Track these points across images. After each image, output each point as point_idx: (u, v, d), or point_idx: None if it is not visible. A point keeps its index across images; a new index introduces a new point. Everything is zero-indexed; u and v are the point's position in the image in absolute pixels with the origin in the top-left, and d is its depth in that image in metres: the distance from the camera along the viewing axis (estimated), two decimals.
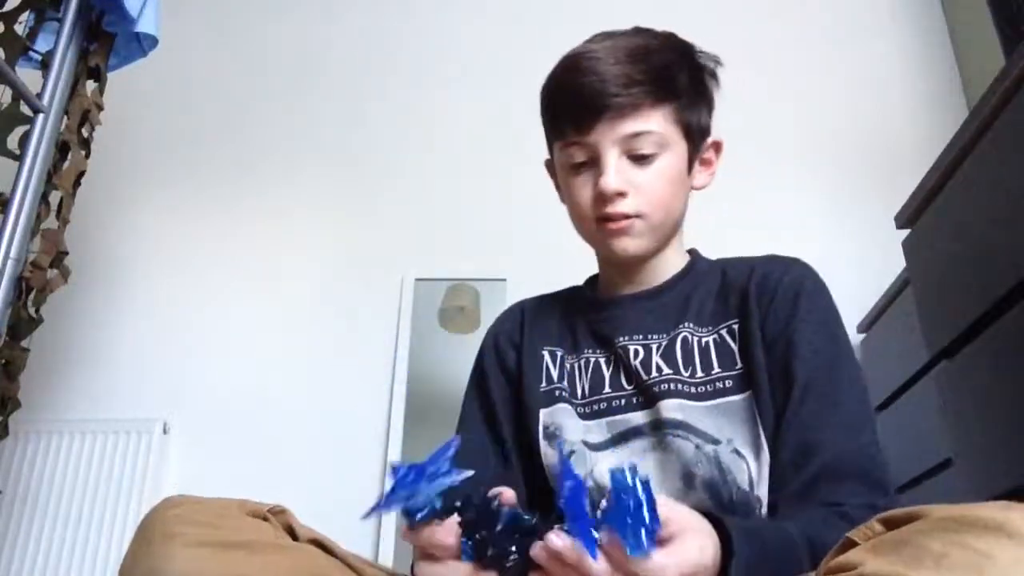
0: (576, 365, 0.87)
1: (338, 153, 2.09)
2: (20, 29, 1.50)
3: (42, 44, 1.51)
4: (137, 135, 2.09)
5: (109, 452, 1.74)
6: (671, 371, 0.81)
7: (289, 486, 1.67)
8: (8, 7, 1.48)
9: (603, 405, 0.83)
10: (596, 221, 0.83)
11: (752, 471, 0.75)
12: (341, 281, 1.95)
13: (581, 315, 0.91)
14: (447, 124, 2.08)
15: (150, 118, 2.13)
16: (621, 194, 0.81)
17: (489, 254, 1.91)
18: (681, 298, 0.87)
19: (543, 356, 0.90)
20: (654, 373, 0.81)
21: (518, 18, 2.18)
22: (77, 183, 1.52)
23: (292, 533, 0.65)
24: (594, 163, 0.82)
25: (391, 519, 1.65)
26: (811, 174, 1.92)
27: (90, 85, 1.55)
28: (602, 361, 0.86)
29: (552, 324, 0.93)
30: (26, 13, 1.52)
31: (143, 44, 1.62)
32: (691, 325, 0.85)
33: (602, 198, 0.81)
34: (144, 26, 1.54)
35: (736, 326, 0.82)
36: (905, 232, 1.35)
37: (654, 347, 0.84)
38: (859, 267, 1.74)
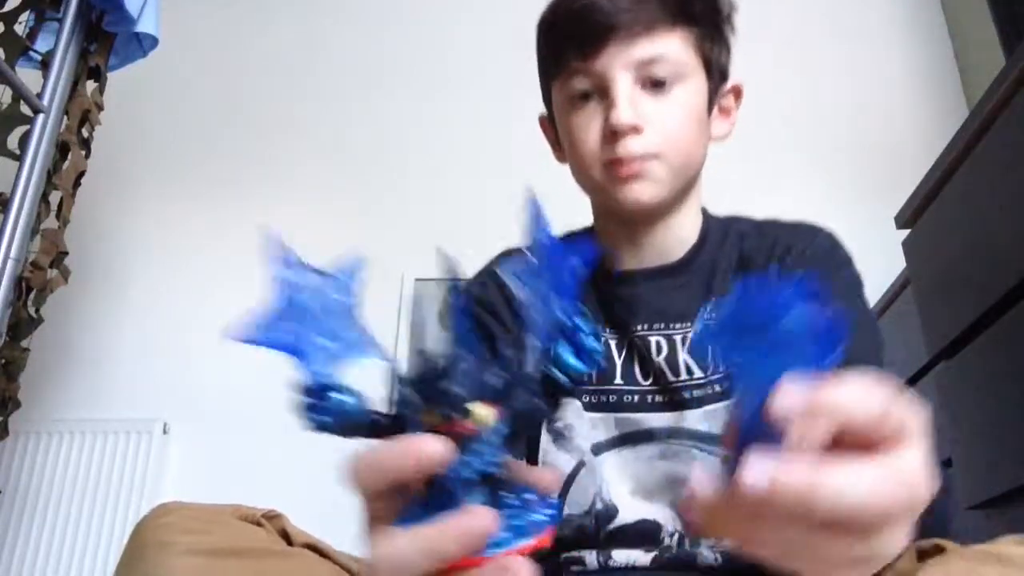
0: None
1: (338, 153, 2.09)
2: (20, 29, 1.50)
3: (42, 44, 1.51)
4: (137, 135, 2.09)
5: (109, 452, 1.74)
6: (702, 374, 0.70)
7: (288, 486, 1.67)
8: (8, 7, 1.48)
9: (612, 398, 0.72)
10: (604, 166, 0.70)
11: None
12: None
13: (592, 287, 0.78)
14: (447, 124, 2.08)
15: (150, 118, 2.12)
16: (635, 129, 0.68)
17: (489, 254, 1.91)
18: (703, 275, 0.75)
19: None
20: (683, 375, 0.70)
21: (519, 20, 2.18)
22: (77, 183, 1.52)
23: (287, 538, 0.64)
24: (601, 95, 0.71)
25: None
26: (811, 174, 1.92)
27: (90, 85, 1.56)
28: (612, 344, 0.74)
29: None
30: (26, 13, 1.52)
31: (143, 44, 1.62)
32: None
33: (612, 136, 0.69)
34: (144, 26, 1.54)
35: None
36: (905, 232, 1.35)
37: (679, 340, 0.72)
38: (859, 267, 1.74)
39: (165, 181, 2.08)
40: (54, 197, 1.47)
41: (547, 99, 0.80)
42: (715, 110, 0.76)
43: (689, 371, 0.71)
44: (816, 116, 1.98)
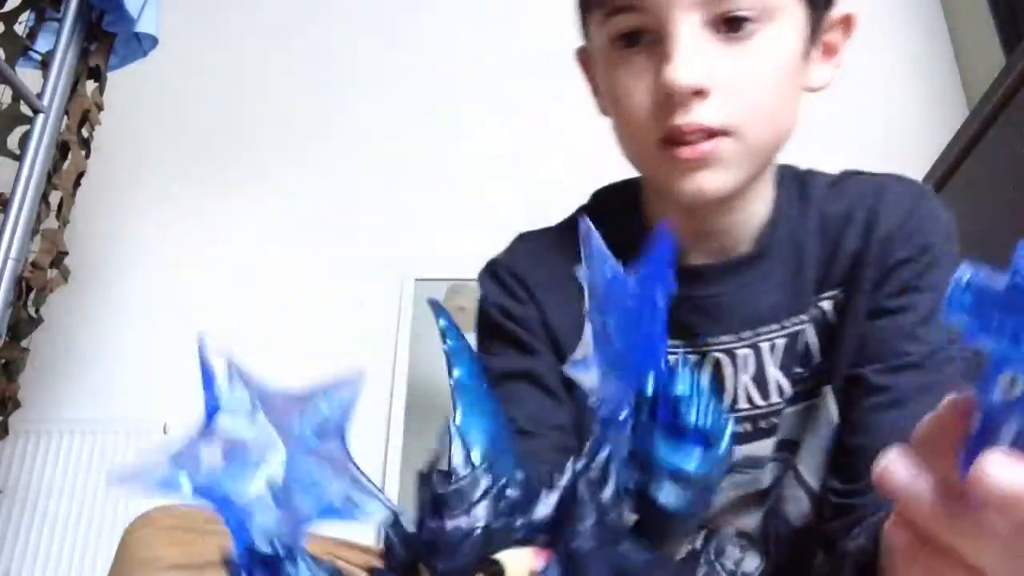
0: None
1: (338, 153, 2.09)
2: (20, 29, 1.50)
3: (42, 44, 1.51)
4: (137, 135, 2.09)
5: (109, 452, 1.74)
6: (791, 389, 0.57)
7: None
8: (8, 7, 1.48)
9: None
10: (658, 144, 0.52)
11: (805, 504, 0.56)
12: (341, 281, 1.95)
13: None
14: (447, 123, 2.08)
15: (150, 118, 2.12)
16: (700, 93, 0.50)
17: (489, 254, 1.91)
18: (787, 261, 0.58)
19: None
20: (774, 398, 0.57)
21: (520, 17, 2.18)
22: (77, 183, 1.52)
23: None
24: (655, 39, 0.51)
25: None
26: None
27: (90, 85, 1.55)
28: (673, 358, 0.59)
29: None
30: (26, 13, 1.52)
31: (143, 44, 1.62)
32: (808, 299, 0.58)
33: (668, 100, 0.50)
34: (144, 26, 1.54)
35: (841, 297, 0.57)
36: None
37: (766, 349, 0.57)
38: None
39: (165, 181, 2.08)
40: (54, 197, 1.47)
41: (583, 29, 0.61)
42: (815, 49, 0.57)
43: (780, 391, 0.57)
44: (815, 116, 1.98)
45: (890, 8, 2.10)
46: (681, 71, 0.49)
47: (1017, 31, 1.62)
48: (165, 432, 1.78)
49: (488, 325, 0.63)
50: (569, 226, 0.66)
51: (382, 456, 1.73)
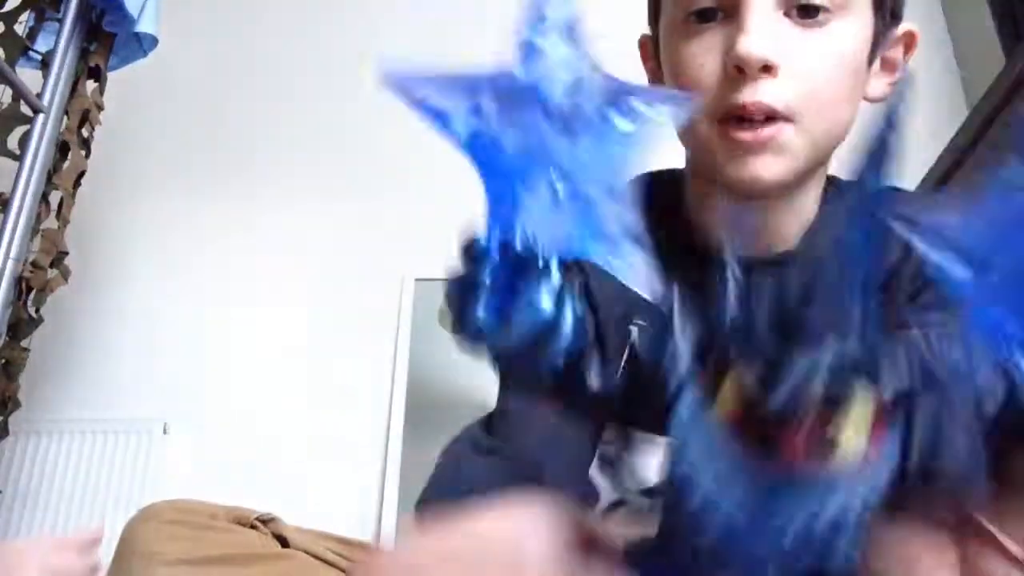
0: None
1: (338, 153, 2.09)
2: (20, 29, 1.50)
3: (42, 44, 1.51)
4: (137, 135, 2.09)
5: (109, 452, 1.74)
6: None
7: (288, 486, 1.67)
8: (8, 7, 1.48)
9: None
10: (719, 121, 0.52)
11: None
12: (341, 281, 1.95)
13: (678, 271, 0.56)
14: None
15: (150, 118, 2.12)
16: (767, 69, 0.50)
17: None
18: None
19: (631, 333, 0.57)
20: None
21: (518, 15, 2.17)
22: (77, 183, 1.52)
23: (284, 541, 0.62)
24: (729, 15, 0.52)
25: (391, 516, 1.65)
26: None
27: (90, 85, 1.55)
28: None
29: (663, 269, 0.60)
30: (26, 13, 1.52)
31: (143, 44, 1.62)
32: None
33: (737, 73, 0.50)
34: (144, 26, 1.54)
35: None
36: None
37: None
38: None
39: (165, 181, 2.08)
40: (54, 197, 1.47)
41: (651, 14, 0.61)
42: (877, 61, 0.57)
43: None
44: None
45: None
46: (754, 43, 0.49)
47: (1017, 31, 1.62)
48: (165, 432, 1.78)
49: None
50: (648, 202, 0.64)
51: (382, 456, 1.73)
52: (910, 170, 1.50)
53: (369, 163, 2.07)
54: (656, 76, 0.62)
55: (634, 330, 0.57)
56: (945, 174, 1.19)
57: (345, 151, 2.09)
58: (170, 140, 2.12)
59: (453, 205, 2.20)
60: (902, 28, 0.58)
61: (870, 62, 0.56)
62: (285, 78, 2.18)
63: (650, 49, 0.63)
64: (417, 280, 1.90)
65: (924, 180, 1.25)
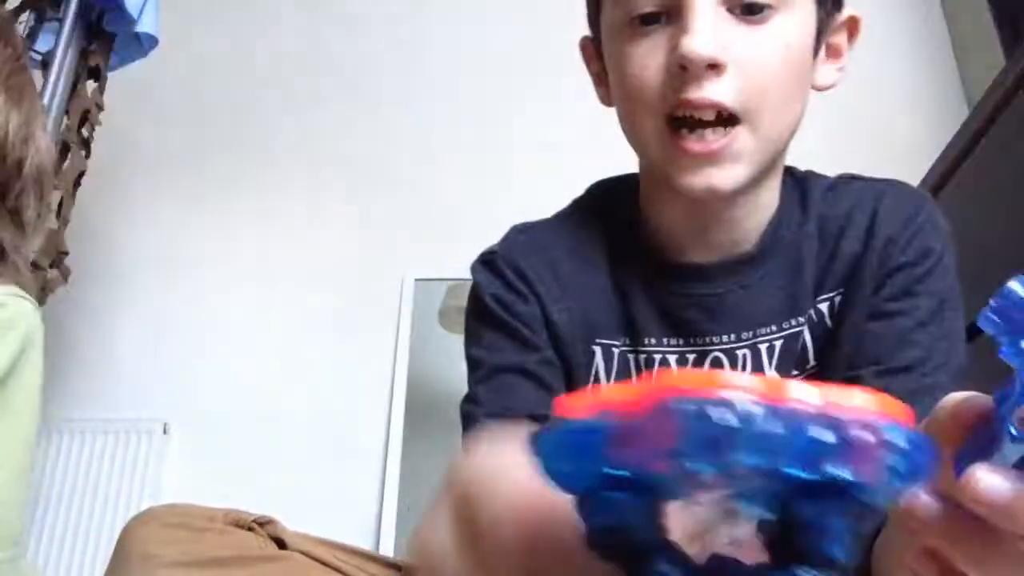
0: (636, 362, 0.58)
1: (338, 153, 2.09)
2: (20, 29, 1.50)
3: (42, 44, 1.51)
4: (137, 135, 2.09)
5: (109, 452, 1.74)
6: None
7: (289, 486, 1.67)
8: (8, 7, 1.48)
9: None
10: (667, 122, 0.52)
11: None
12: (341, 281, 1.95)
13: (638, 280, 0.59)
14: (447, 123, 2.08)
15: (150, 118, 2.12)
16: (715, 67, 0.50)
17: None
18: (788, 262, 0.58)
19: (594, 355, 0.59)
20: None
21: (518, 18, 2.18)
22: (77, 183, 1.52)
23: (281, 544, 0.62)
24: (672, 17, 0.52)
25: (391, 516, 1.65)
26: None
27: (90, 85, 1.55)
28: (673, 360, 0.58)
29: (596, 291, 0.59)
30: (26, 13, 1.52)
31: (143, 44, 1.62)
32: (806, 302, 0.57)
33: (681, 72, 0.50)
34: (144, 26, 1.54)
35: (838, 298, 0.57)
36: None
37: (764, 351, 0.57)
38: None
39: (165, 181, 2.08)
40: (54, 197, 1.47)
41: (592, 17, 0.61)
42: (822, 50, 0.58)
43: None
44: (815, 116, 1.98)
45: (890, 9, 2.10)
46: (699, 42, 0.49)
47: (1017, 31, 1.62)
48: (165, 432, 1.78)
49: (485, 316, 0.62)
50: (564, 218, 0.66)
51: (382, 456, 1.73)
52: (910, 170, 1.50)
53: (369, 163, 2.07)
54: (601, 79, 0.62)
55: (597, 351, 0.58)
56: (945, 174, 1.19)
57: (345, 151, 2.09)
58: (170, 140, 2.12)
59: (453, 205, 2.22)
60: (845, 13, 0.59)
61: (816, 52, 0.57)
62: (285, 78, 2.18)
63: (591, 51, 0.63)
64: (417, 280, 1.90)
65: (924, 180, 1.25)
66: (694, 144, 0.51)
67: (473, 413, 0.57)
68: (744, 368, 0.57)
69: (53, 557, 1.66)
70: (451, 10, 2.22)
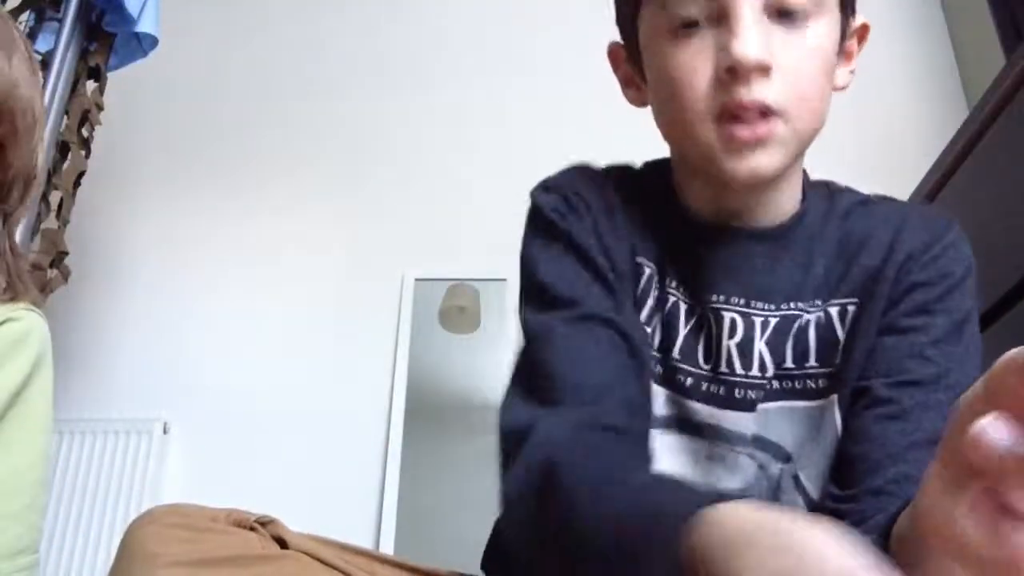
0: (656, 298, 0.62)
1: (338, 153, 2.09)
2: (20, 29, 1.50)
3: (42, 44, 1.51)
4: (137, 135, 2.09)
5: (109, 452, 1.74)
6: (774, 370, 0.59)
7: (289, 486, 1.67)
8: (8, 7, 1.48)
9: (667, 371, 0.61)
10: (716, 119, 0.55)
11: (803, 507, 0.57)
12: (341, 281, 1.95)
13: (668, 231, 0.64)
14: (447, 123, 2.08)
15: (150, 118, 2.12)
16: (763, 69, 0.54)
17: (489, 254, 1.91)
18: (801, 252, 0.62)
19: (641, 267, 0.63)
20: (755, 371, 0.59)
21: (517, 17, 2.18)
22: (77, 183, 1.52)
23: (283, 543, 0.63)
24: (715, 23, 0.55)
25: (391, 516, 1.65)
26: (810, 174, 1.92)
27: (90, 85, 1.56)
28: (682, 310, 0.61)
29: (644, 225, 0.64)
30: (26, 13, 1.52)
31: (143, 44, 1.62)
32: (808, 295, 0.60)
33: (731, 75, 0.54)
34: (144, 26, 1.54)
35: (852, 307, 0.60)
36: None
37: (758, 323, 0.60)
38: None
39: (165, 181, 2.08)
40: (54, 197, 1.47)
41: (626, 23, 0.64)
42: (841, 52, 0.62)
43: (762, 366, 0.59)
44: None
45: (890, 9, 2.10)
46: (750, 46, 0.53)
47: (1017, 31, 1.62)
48: (165, 432, 1.78)
49: (548, 229, 0.65)
50: (620, 170, 0.69)
51: (382, 456, 1.73)
52: (910, 170, 1.50)
53: (369, 163, 2.07)
54: (630, 82, 0.67)
55: (645, 264, 0.62)
56: (945, 174, 1.19)
57: (345, 151, 2.09)
58: (170, 140, 2.12)
59: (453, 205, 2.22)
60: (859, 20, 0.64)
61: (839, 53, 0.61)
62: (285, 78, 2.18)
63: (622, 56, 0.67)
64: (417, 280, 1.90)
65: (924, 180, 1.25)
66: (743, 131, 0.55)
67: (548, 348, 0.58)
68: (735, 331, 0.60)
69: (53, 557, 1.66)
70: (452, 7, 2.22)
